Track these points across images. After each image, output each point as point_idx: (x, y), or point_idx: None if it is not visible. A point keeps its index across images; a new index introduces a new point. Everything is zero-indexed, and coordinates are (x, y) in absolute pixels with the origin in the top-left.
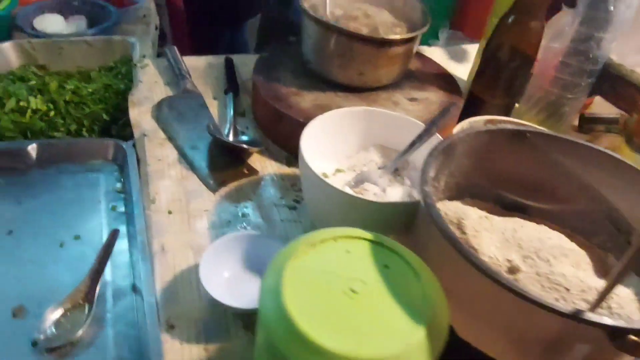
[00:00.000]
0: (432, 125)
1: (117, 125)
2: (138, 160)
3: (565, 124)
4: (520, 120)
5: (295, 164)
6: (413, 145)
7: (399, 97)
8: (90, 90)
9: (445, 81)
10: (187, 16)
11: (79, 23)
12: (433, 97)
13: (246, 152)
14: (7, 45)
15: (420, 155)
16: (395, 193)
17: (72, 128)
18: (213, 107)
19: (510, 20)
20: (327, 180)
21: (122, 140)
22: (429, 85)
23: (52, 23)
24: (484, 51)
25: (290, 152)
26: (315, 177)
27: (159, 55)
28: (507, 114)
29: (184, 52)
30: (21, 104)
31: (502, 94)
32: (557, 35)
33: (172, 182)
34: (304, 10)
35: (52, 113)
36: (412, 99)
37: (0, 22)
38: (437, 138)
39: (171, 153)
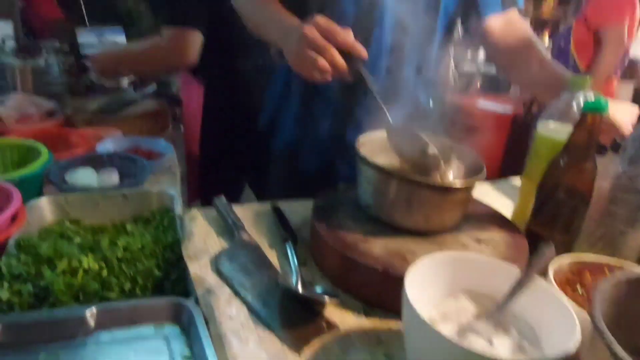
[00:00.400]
0: (531, 269)
1: (170, 280)
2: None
3: (631, 257)
4: (606, 258)
5: (372, 314)
6: (515, 291)
7: (464, 238)
8: (140, 245)
9: (500, 220)
10: (203, 164)
11: (111, 176)
12: (497, 237)
13: (322, 304)
14: (43, 201)
15: (519, 300)
16: (503, 344)
17: (126, 287)
18: (272, 257)
19: (562, 162)
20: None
21: (178, 297)
22: (487, 225)
23: (83, 177)
24: (539, 191)
25: (365, 302)
26: (432, 333)
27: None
28: (569, 251)
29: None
30: (73, 264)
31: (562, 232)
32: (609, 173)
33: (250, 345)
34: (361, 158)
35: (104, 272)
36: (478, 240)
37: (36, 179)
38: (537, 282)
39: (241, 310)
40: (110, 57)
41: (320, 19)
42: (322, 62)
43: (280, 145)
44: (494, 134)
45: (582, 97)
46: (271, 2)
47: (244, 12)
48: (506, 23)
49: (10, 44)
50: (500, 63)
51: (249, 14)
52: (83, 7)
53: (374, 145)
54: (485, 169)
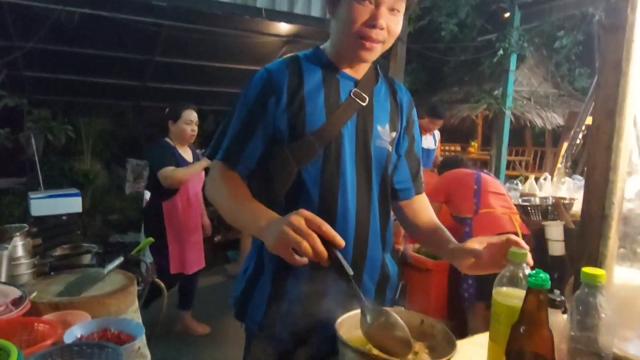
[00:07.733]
0: None
1: None
2: None
3: None
4: None
5: None
6: None
7: None
8: None
9: None
10: None
11: None
12: None
13: None
14: None
15: None
16: None
17: None
18: None
19: (522, 329)
20: None
21: None
22: None
23: None
24: (507, 357)
25: None
26: None
27: None
28: None
29: None
30: None
31: None
32: (564, 337)
33: None
34: (342, 342)
35: None
36: None
37: None
38: None
39: None
40: None
41: (305, 212)
42: (305, 245)
43: (252, 324)
44: None
45: (525, 269)
46: (248, 200)
47: (219, 206)
48: (417, 205)
49: None
50: (409, 231)
51: (225, 209)
52: (39, 172)
53: (352, 325)
54: (456, 345)
